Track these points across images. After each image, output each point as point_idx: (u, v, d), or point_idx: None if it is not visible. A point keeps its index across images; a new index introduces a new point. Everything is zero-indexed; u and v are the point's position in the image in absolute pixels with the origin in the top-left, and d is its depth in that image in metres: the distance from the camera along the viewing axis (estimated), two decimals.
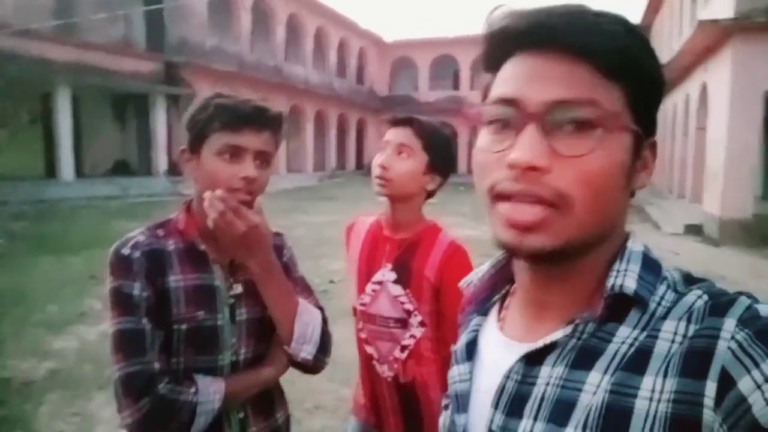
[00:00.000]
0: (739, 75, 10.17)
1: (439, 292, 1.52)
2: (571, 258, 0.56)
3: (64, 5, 19.44)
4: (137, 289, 1.13)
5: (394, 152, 1.52)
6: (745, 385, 0.44)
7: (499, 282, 0.71)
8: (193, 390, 1.12)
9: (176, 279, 1.18)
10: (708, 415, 0.45)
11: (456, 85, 32.00)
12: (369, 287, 1.58)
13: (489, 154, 0.56)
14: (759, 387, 0.43)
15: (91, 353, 4.32)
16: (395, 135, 1.53)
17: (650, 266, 0.57)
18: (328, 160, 27.71)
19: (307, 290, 1.37)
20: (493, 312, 0.70)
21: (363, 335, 1.62)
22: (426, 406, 1.53)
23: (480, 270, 0.73)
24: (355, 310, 1.65)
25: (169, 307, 1.16)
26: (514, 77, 0.56)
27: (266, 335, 1.28)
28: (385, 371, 1.56)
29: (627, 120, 0.54)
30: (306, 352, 1.23)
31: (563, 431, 0.52)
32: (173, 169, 18.21)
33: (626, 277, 0.55)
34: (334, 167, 27.69)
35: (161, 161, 18.07)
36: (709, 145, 11.80)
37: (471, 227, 11.73)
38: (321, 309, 1.35)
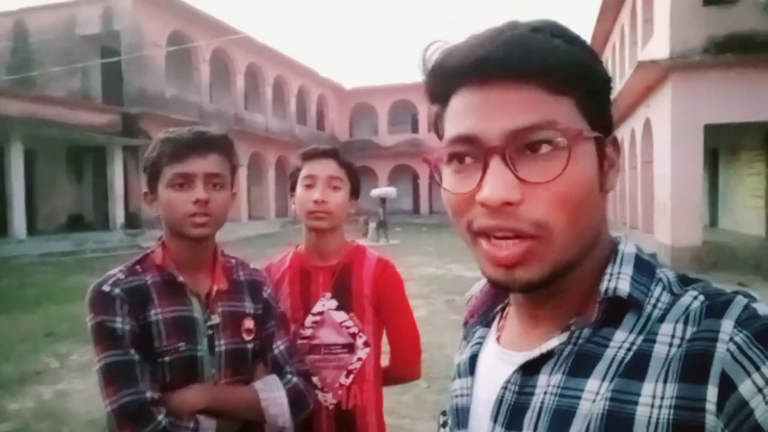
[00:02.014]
0: (679, 110, 10.78)
1: (378, 306, 1.59)
2: (561, 278, 0.55)
3: (19, 60, 19.29)
4: (119, 322, 1.15)
5: (326, 185, 1.55)
6: (746, 389, 0.43)
7: (501, 293, 0.70)
8: (192, 425, 1.14)
9: (156, 312, 1.20)
10: (710, 420, 0.44)
11: (415, 129, 32.74)
12: (309, 319, 1.58)
13: (458, 195, 0.54)
14: (760, 391, 0.42)
15: (48, 411, 4.14)
16: (321, 168, 1.57)
17: (643, 268, 0.56)
18: (290, 207, 27.63)
19: (285, 327, 1.41)
20: (494, 323, 0.69)
21: None
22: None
23: (480, 283, 0.72)
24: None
25: (151, 341, 1.18)
26: (466, 113, 0.54)
27: (245, 365, 1.31)
28: (328, 399, 1.55)
29: (586, 130, 0.53)
30: (284, 425, 1.28)
31: None
32: (131, 222, 17.86)
33: (619, 280, 0.54)
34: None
35: (119, 214, 17.69)
36: (656, 178, 12.34)
37: (435, 266, 11.84)
38: (293, 348, 1.39)
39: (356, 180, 1.64)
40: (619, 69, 17.79)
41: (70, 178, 18.74)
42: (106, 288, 1.19)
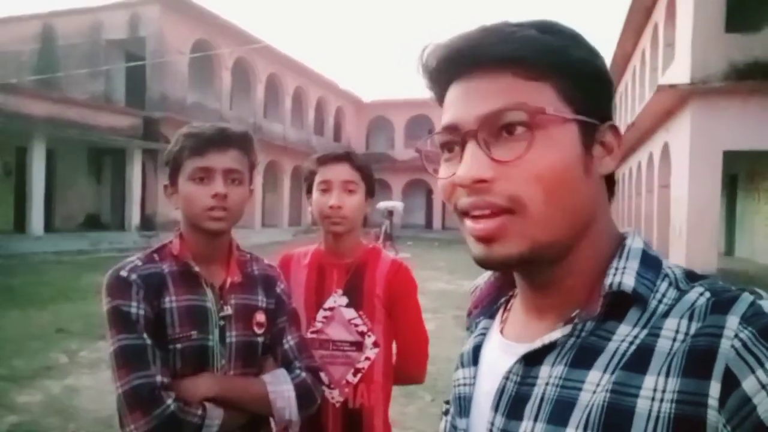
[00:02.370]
0: (698, 136, 10.71)
1: (390, 308, 1.60)
2: (551, 259, 0.56)
3: (45, 61, 19.73)
4: (135, 307, 1.18)
5: (341, 190, 1.57)
6: (749, 385, 0.43)
7: (505, 284, 0.71)
8: (200, 412, 1.16)
9: (171, 300, 1.23)
10: (712, 415, 0.44)
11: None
12: (320, 314, 1.61)
13: (445, 181, 0.58)
14: (764, 387, 0.42)
15: (56, 407, 4.18)
16: (336, 173, 1.58)
17: (650, 263, 0.56)
18: (304, 215, 27.79)
19: (295, 323, 1.44)
20: (498, 315, 0.70)
21: None
22: None
23: (486, 274, 0.73)
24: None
25: (165, 327, 1.21)
26: (450, 104, 0.58)
27: (255, 358, 1.33)
28: (335, 396, 1.57)
29: (563, 111, 0.55)
30: (291, 418, 1.30)
31: (563, 431, 0.51)
32: (146, 224, 18.06)
33: (624, 275, 0.54)
34: (310, 222, 27.75)
35: (134, 216, 17.90)
36: (672, 203, 12.24)
37: (446, 281, 11.79)
38: (303, 343, 1.41)
39: (370, 180, 1.66)
40: (639, 92, 17.73)
41: (89, 179, 19.04)
42: (123, 273, 1.22)
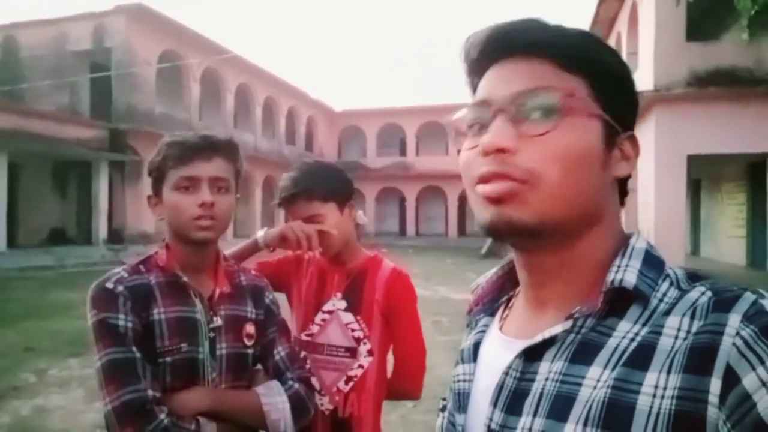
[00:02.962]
0: (663, 141, 11.02)
1: (388, 315, 1.59)
2: (557, 240, 0.57)
3: (8, 73, 19.20)
4: (122, 320, 1.15)
5: (312, 223, 1.53)
6: (750, 382, 0.43)
7: (507, 284, 0.72)
8: (193, 427, 1.13)
9: (159, 311, 1.20)
10: (712, 412, 0.44)
11: (403, 152, 32.95)
12: (318, 317, 1.60)
13: (469, 151, 0.60)
14: (765, 385, 0.43)
15: (26, 428, 4.03)
16: (296, 212, 1.55)
17: (652, 263, 0.57)
18: (277, 225, 27.55)
19: (286, 333, 1.43)
20: (499, 312, 0.71)
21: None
22: None
23: (488, 273, 0.74)
24: (296, 340, 1.61)
25: (153, 340, 1.18)
26: (484, 85, 0.61)
27: (245, 370, 1.31)
28: (324, 404, 1.54)
29: (591, 106, 0.57)
30: (285, 430, 1.27)
31: (563, 427, 0.51)
32: (114, 238, 17.66)
33: (626, 272, 0.55)
34: None
35: (102, 229, 17.48)
36: (640, 206, 12.54)
37: (422, 287, 11.82)
38: (294, 354, 1.40)
39: (339, 192, 1.58)
40: None
41: (54, 192, 18.52)
42: (109, 285, 1.19)
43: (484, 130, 0.58)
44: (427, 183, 30.50)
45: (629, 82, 0.62)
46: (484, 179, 0.57)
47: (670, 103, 10.97)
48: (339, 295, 1.61)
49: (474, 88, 0.65)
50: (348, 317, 1.58)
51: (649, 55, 11.50)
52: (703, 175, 15.90)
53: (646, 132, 11.91)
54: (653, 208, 11.16)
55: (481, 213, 0.58)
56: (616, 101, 0.59)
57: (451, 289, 11.48)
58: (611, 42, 16.66)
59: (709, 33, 11.71)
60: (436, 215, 32.75)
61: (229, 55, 22.04)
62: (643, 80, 11.72)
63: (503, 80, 0.59)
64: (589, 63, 0.58)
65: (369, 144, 33.13)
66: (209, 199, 1.22)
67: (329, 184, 1.58)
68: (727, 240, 14.72)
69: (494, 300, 0.73)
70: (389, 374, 1.65)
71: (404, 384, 1.65)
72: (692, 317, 0.51)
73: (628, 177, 0.63)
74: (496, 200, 0.56)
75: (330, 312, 1.60)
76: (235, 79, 24.50)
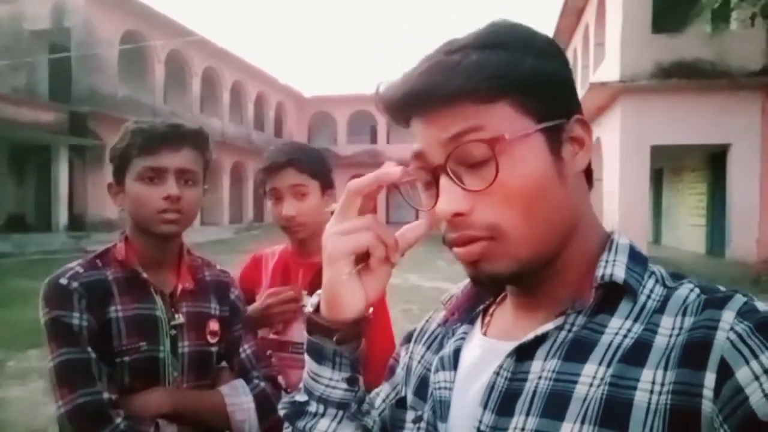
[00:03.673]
0: (628, 131, 11.25)
1: None
2: (540, 268, 0.57)
3: None
4: (77, 318, 1.09)
5: (291, 196, 1.51)
6: (742, 375, 0.43)
7: (483, 293, 0.71)
8: (152, 430, 1.09)
9: (116, 309, 1.15)
10: (707, 405, 0.44)
11: (374, 139, 32.87)
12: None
13: (429, 213, 0.59)
14: (757, 378, 0.43)
15: None
16: (282, 181, 1.52)
17: (637, 258, 0.57)
18: (245, 213, 27.23)
19: (252, 332, 1.38)
20: (478, 320, 0.70)
21: None
22: None
23: (461, 284, 0.73)
24: (261, 339, 1.57)
25: (110, 339, 1.12)
26: (414, 136, 0.59)
27: (209, 369, 1.26)
28: None
29: (524, 127, 0.54)
30: (250, 430, 1.24)
31: (559, 425, 0.50)
32: (75, 225, 17.15)
33: (615, 267, 0.55)
34: (252, 219, 27.23)
35: (62, 215, 16.95)
36: (605, 195, 12.80)
37: (393, 275, 11.85)
38: (260, 352, 1.36)
39: (322, 174, 1.58)
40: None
41: (11, 177, 17.84)
42: (63, 281, 1.12)
43: (432, 185, 0.58)
44: None
45: (553, 72, 0.57)
46: (451, 245, 0.57)
47: (635, 94, 11.19)
48: (304, 291, 1.56)
49: (405, 126, 0.61)
50: None
51: (615, 46, 11.68)
52: (664, 164, 16.31)
53: (611, 122, 12.13)
54: (617, 197, 11.41)
55: (465, 268, 0.59)
56: (548, 98, 0.56)
57: (422, 277, 11.54)
58: (579, 33, 16.88)
59: (674, 26, 11.95)
60: (406, 203, 32.81)
61: (195, 38, 21.50)
62: (610, 71, 11.92)
63: (430, 131, 0.56)
64: (507, 86, 0.54)
65: (339, 131, 32.92)
66: (175, 192, 1.16)
67: (319, 163, 1.58)
68: (687, 228, 15.17)
69: (471, 309, 0.71)
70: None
71: (372, 377, 1.63)
72: (684, 314, 0.51)
73: (589, 164, 0.60)
74: (472, 263, 0.57)
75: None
76: (202, 62, 23.95)
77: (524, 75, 0.55)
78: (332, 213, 1.64)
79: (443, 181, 0.55)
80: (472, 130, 0.53)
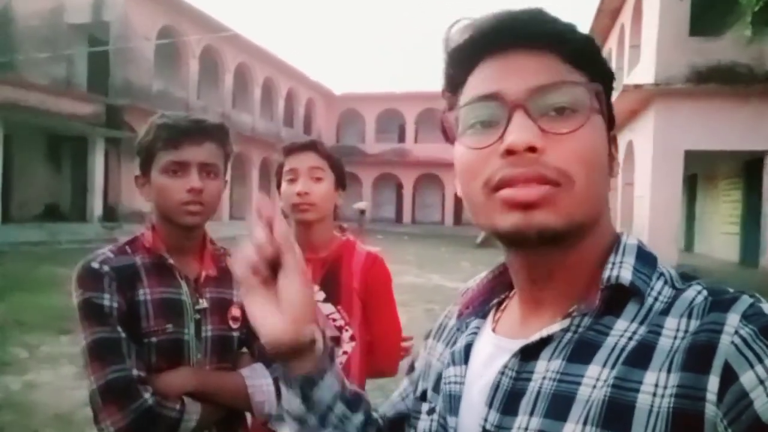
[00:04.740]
0: (661, 135, 11.02)
1: (366, 299, 1.60)
2: (571, 240, 0.56)
3: (3, 43, 18.94)
4: (107, 300, 1.15)
5: (308, 177, 1.56)
6: (747, 379, 0.43)
7: (498, 287, 0.71)
8: (178, 407, 1.13)
9: (144, 292, 1.20)
10: (710, 409, 0.44)
11: (402, 138, 32.87)
12: None
13: (477, 152, 0.55)
14: (762, 383, 0.42)
15: (16, 403, 4.04)
16: (302, 161, 1.58)
17: (645, 259, 0.57)
18: (278, 204, 27.48)
19: None
20: (490, 315, 0.70)
21: None
22: None
23: (478, 277, 0.73)
24: None
25: (138, 321, 1.18)
26: (488, 77, 0.57)
27: (230, 352, 1.31)
28: None
29: (602, 105, 0.57)
30: (270, 413, 1.28)
31: (562, 426, 0.51)
32: (108, 215, 17.59)
33: (622, 269, 0.54)
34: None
35: (96, 206, 17.40)
36: (635, 200, 12.56)
37: (415, 275, 11.86)
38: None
39: (339, 170, 1.64)
40: None
41: (48, 167, 18.40)
42: (95, 265, 1.18)
43: (494, 128, 0.55)
44: (424, 170, 30.47)
45: (613, 83, 0.61)
46: (510, 182, 0.53)
47: (669, 98, 10.94)
48: (316, 287, 1.60)
49: (455, 82, 0.60)
50: (328, 308, 1.59)
51: (651, 48, 11.44)
52: (699, 171, 15.93)
53: (644, 126, 11.89)
54: (648, 202, 11.18)
55: (500, 219, 0.54)
56: (608, 97, 0.59)
57: (445, 277, 11.52)
58: (614, 34, 16.58)
59: (712, 29, 11.65)
60: (432, 203, 32.78)
61: (229, 33, 21.82)
62: (644, 74, 11.67)
63: (513, 73, 0.55)
64: (593, 63, 0.57)
65: (368, 129, 33.01)
66: (198, 185, 1.21)
67: (338, 161, 1.65)
68: (720, 237, 14.78)
69: (485, 303, 0.71)
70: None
71: (382, 362, 1.69)
72: (690, 317, 0.51)
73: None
74: (525, 206, 0.52)
75: None
76: (235, 57, 24.29)
77: (605, 66, 0.59)
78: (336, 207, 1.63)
79: (518, 117, 0.53)
80: (564, 84, 0.54)
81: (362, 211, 21.33)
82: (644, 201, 11.58)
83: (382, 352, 1.68)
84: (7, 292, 8.01)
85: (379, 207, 32.48)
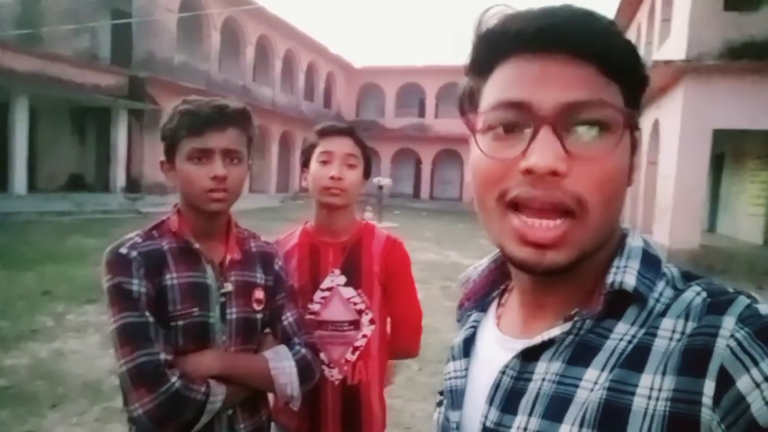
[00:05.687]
0: (690, 113, 10.73)
1: (386, 282, 1.62)
2: (579, 264, 0.55)
3: (29, 16, 19.07)
4: (136, 284, 1.17)
5: (342, 163, 1.57)
6: (743, 383, 0.43)
7: (498, 277, 0.71)
8: (204, 389, 1.16)
9: (171, 277, 1.22)
10: (706, 414, 0.44)
11: (422, 113, 32.57)
12: (317, 295, 1.60)
13: (496, 162, 0.53)
14: (758, 386, 0.42)
15: (44, 370, 4.18)
16: (338, 145, 1.58)
17: (650, 262, 0.56)
18: (291, 182, 27.63)
19: (294, 300, 1.44)
20: (492, 308, 0.70)
21: None
22: (366, 408, 1.60)
23: (479, 265, 0.72)
24: None
25: (165, 305, 1.20)
26: (519, 80, 0.53)
27: (254, 335, 1.33)
28: (334, 375, 1.59)
29: (629, 118, 0.54)
30: (293, 394, 1.31)
31: (558, 427, 0.51)
32: (131, 186, 17.84)
33: (626, 274, 0.54)
34: (298, 189, 27.63)
35: (120, 177, 17.65)
36: (659, 180, 12.33)
37: (434, 251, 11.87)
38: (301, 320, 1.42)
39: (369, 160, 1.67)
40: None
41: (72, 138, 18.67)
42: (123, 250, 1.20)
43: (517, 136, 0.53)
44: (444, 146, 30.20)
45: (647, 79, 0.58)
46: (526, 203, 0.52)
47: (700, 75, 10.62)
48: (337, 271, 1.61)
49: (482, 67, 0.57)
50: (349, 292, 1.60)
51: (683, 22, 11.07)
52: (726, 150, 15.54)
53: (672, 104, 11.58)
54: (673, 181, 10.96)
55: (513, 247, 0.54)
56: (640, 101, 0.57)
57: (463, 254, 11.51)
58: (644, 7, 16.07)
59: (747, 3, 11.21)
60: (451, 179, 32.59)
61: (251, 6, 21.63)
62: (675, 49, 11.33)
63: (547, 83, 0.52)
64: (629, 71, 0.54)
65: (387, 103, 32.74)
66: (222, 172, 1.22)
67: (367, 148, 1.68)
68: (745, 218, 14.47)
69: (486, 295, 0.72)
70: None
71: (404, 343, 1.72)
72: (686, 318, 0.50)
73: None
74: (542, 246, 0.52)
75: (329, 289, 1.61)
76: (256, 30, 24.14)
77: (641, 71, 0.56)
78: (380, 187, 1.66)
79: (544, 134, 0.50)
80: (600, 104, 0.51)
81: (380, 187, 21.45)
82: (669, 180, 11.35)
83: (404, 333, 1.70)
84: (35, 261, 8.22)
85: (398, 182, 32.38)
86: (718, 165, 16.26)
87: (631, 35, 18.38)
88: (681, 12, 11.38)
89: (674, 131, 11.20)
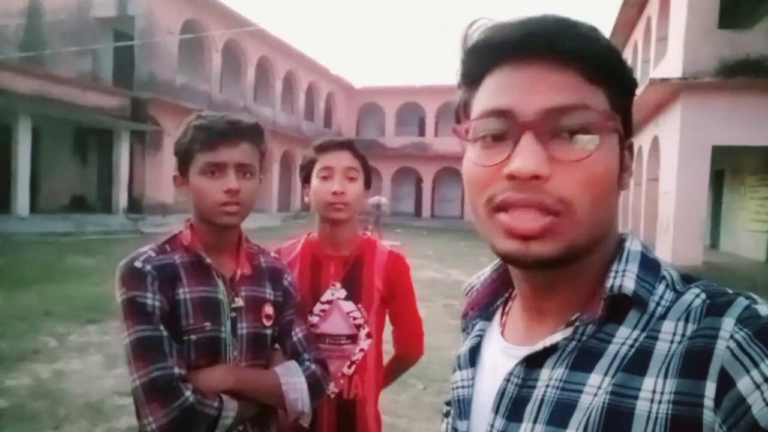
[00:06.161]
0: (688, 130, 10.80)
1: (388, 297, 1.63)
2: (572, 262, 0.55)
3: (32, 38, 19.31)
4: (150, 298, 1.17)
5: (343, 177, 1.57)
6: (744, 385, 0.43)
7: (501, 286, 0.71)
8: (217, 404, 1.16)
9: (184, 291, 1.23)
10: (708, 415, 0.44)
11: (422, 132, 32.73)
12: (317, 308, 1.60)
13: (484, 168, 0.55)
14: (758, 387, 0.42)
15: (45, 391, 4.14)
16: (338, 160, 1.58)
17: (649, 266, 0.56)
18: (293, 201, 27.68)
19: (303, 316, 1.45)
20: (496, 317, 0.70)
21: None
22: (362, 423, 1.59)
23: (482, 274, 0.73)
24: None
25: (179, 319, 1.20)
26: (503, 88, 0.55)
27: (264, 350, 1.34)
28: (330, 388, 1.57)
29: (615, 123, 0.55)
30: (303, 410, 1.31)
31: None
32: (133, 207, 17.88)
33: (625, 278, 0.54)
34: (299, 209, 27.66)
35: (122, 198, 17.69)
36: (660, 196, 12.35)
37: (435, 269, 11.84)
38: (311, 336, 1.43)
39: (368, 170, 1.68)
40: None
41: (74, 159, 18.75)
42: (138, 264, 1.21)
43: (504, 143, 0.54)
44: (444, 164, 30.29)
45: (635, 89, 0.59)
46: (510, 207, 0.53)
47: (697, 92, 10.72)
48: (338, 284, 1.61)
49: (471, 80, 0.59)
50: (349, 306, 1.60)
51: (678, 40, 11.21)
52: (726, 166, 15.59)
53: (670, 120, 11.67)
54: (674, 198, 10.99)
55: (499, 241, 0.55)
56: (627, 107, 0.58)
57: (464, 272, 11.47)
58: (640, 26, 16.27)
59: (741, 21, 11.36)
60: (452, 197, 32.63)
61: (252, 28, 21.91)
62: (671, 67, 11.45)
63: (529, 89, 0.53)
64: (613, 75, 0.55)
65: (388, 122, 32.93)
66: (235, 186, 1.24)
67: (368, 164, 1.68)
68: (746, 234, 14.47)
69: (490, 303, 0.72)
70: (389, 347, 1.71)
71: (409, 351, 1.75)
72: (687, 321, 0.51)
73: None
74: (523, 236, 0.53)
75: (329, 302, 1.61)
76: (257, 51, 24.41)
77: (627, 75, 0.57)
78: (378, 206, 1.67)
79: (527, 140, 0.52)
80: (582, 107, 0.52)
81: (378, 206, 21.49)
82: (670, 197, 11.38)
83: (409, 341, 1.73)
84: (36, 282, 8.20)
85: (399, 201, 32.42)
86: (718, 181, 16.30)
87: (627, 54, 18.57)
88: (676, 30, 11.52)
89: (673, 148, 11.26)
